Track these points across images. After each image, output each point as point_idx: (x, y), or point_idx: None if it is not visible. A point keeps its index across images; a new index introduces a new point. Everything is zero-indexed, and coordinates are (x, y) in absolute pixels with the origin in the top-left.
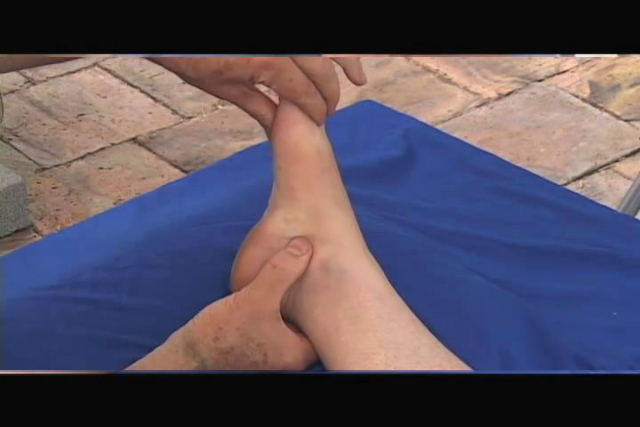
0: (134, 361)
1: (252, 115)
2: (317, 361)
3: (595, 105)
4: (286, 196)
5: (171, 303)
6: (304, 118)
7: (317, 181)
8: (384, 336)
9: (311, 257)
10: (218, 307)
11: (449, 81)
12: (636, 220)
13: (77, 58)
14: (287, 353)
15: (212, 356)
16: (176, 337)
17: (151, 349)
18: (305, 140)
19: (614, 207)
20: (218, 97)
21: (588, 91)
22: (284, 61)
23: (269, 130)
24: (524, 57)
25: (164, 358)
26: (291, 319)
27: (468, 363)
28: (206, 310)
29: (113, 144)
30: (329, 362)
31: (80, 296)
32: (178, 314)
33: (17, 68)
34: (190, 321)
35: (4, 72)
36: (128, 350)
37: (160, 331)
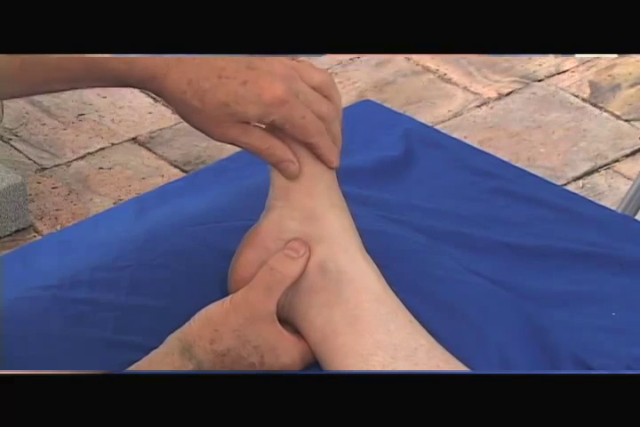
0: (133, 361)
1: (255, 150)
2: (314, 362)
3: (595, 105)
4: (282, 197)
5: (170, 303)
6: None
7: (313, 182)
8: (381, 338)
9: (308, 259)
10: (214, 309)
11: (449, 81)
12: (636, 220)
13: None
14: (284, 355)
15: (209, 358)
16: (172, 340)
17: (150, 349)
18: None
19: (614, 207)
20: (217, 140)
21: (588, 91)
22: (294, 98)
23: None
24: (524, 57)
25: (161, 361)
26: (287, 320)
27: (466, 363)
28: (202, 312)
29: (113, 144)
30: (326, 363)
31: (79, 296)
32: (177, 314)
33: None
34: (186, 323)
35: (6, 98)
36: (127, 351)
37: (159, 331)
